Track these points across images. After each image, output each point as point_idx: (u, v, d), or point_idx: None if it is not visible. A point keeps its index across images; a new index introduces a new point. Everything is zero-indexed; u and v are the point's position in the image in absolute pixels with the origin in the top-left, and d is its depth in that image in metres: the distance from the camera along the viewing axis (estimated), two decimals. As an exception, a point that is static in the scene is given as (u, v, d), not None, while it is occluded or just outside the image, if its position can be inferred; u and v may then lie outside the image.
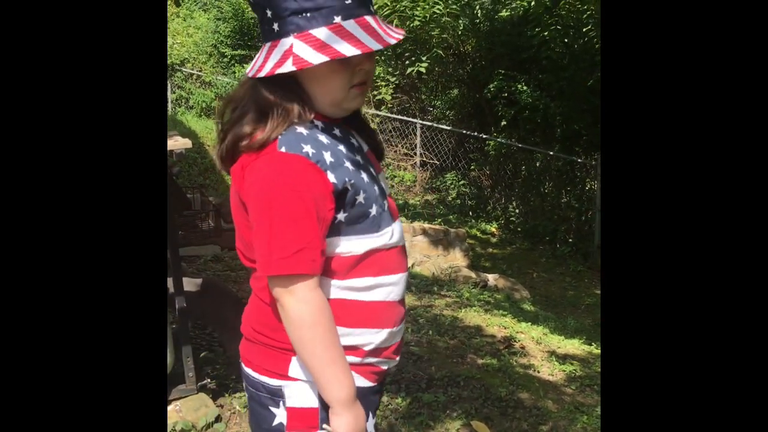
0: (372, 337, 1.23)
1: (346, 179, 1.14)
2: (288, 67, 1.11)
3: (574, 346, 4.12)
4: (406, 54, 7.02)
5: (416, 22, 6.44)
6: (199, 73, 11.20)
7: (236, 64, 11.03)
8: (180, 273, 2.62)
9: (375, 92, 9.34)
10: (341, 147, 1.19)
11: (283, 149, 1.12)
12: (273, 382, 1.23)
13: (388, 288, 1.24)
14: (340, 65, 1.14)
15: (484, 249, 7.60)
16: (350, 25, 1.11)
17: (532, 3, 6.06)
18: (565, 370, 3.52)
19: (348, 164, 1.17)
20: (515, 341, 3.90)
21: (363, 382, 1.24)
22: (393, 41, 1.17)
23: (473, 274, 5.87)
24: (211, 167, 6.91)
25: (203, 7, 12.42)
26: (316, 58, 1.10)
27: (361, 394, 1.21)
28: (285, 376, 1.22)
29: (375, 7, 5.90)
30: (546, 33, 7.34)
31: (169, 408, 2.50)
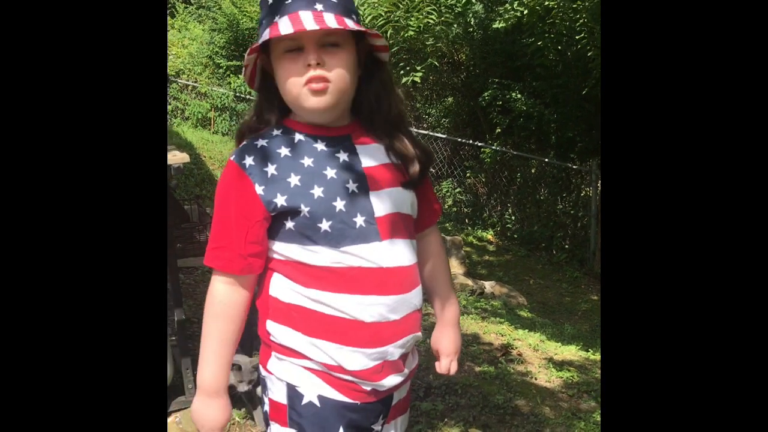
0: (333, 352, 1.23)
1: (279, 193, 1.20)
2: (249, 67, 1.26)
3: (571, 352, 4.13)
4: (401, 64, 7.04)
5: (410, 32, 6.47)
6: (195, 84, 11.22)
7: (231, 75, 11.05)
8: (178, 285, 2.64)
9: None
10: (304, 161, 1.23)
11: (232, 157, 1.24)
12: (263, 372, 1.33)
13: (349, 307, 1.22)
14: (289, 58, 1.21)
15: (481, 256, 7.62)
16: (284, 19, 1.18)
17: (525, 12, 6.09)
18: (562, 377, 3.53)
19: (295, 179, 1.21)
20: (512, 348, 3.91)
21: (335, 394, 1.26)
22: (311, 27, 1.16)
23: (470, 282, 5.89)
24: (208, 178, 6.92)
25: (198, 18, 12.45)
26: (255, 45, 1.21)
27: (331, 407, 1.25)
28: (266, 369, 1.31)
29: (370, 18, 5.90)
30: (539, 41, 7.38)
31: (169, 420, 2.51)
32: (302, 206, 1.19)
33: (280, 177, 1.21)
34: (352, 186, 1.24)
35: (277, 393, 1.29)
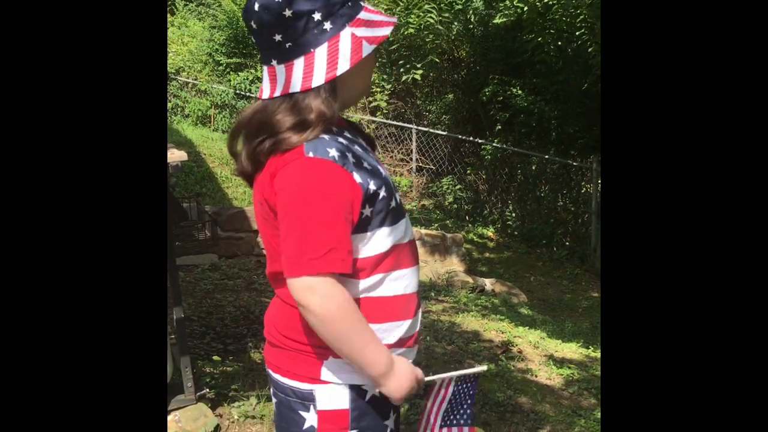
0: (396, 330, 1.27)
1: (369, 178, 1.20)
2: (367, 48, 1.20)
3: (571, 349, 4.13)
4: (401, 61, 7.03)
5: (411, 30, 6.46)
6: (195, 82, 11.21)
7: (231, 73, 11.03)
8: (178, 283, 2.63)
9: (370, 99, 9.35)
10: (356, 147, 1.25)
11: (311, 154, 1.16)
12: (304, 386, 1.26)
13: (404, 281, 1.28)
14: (373, 56, 1.24)
15: (481, 253, 7.62)
16: (369, 6, 1.23)
17: (525, 9, 6.08)
18: (562, 374, 3.53)
19: (366, 163, 1.23)
20: (513, 346, 3.91)
21: None
22: (393, 19, 1.27)
23: (470, 279, 5.88)
24: (208, 176, 6.90)
25: (198, 15, 12.43)
26: (380, 32, 1.22)
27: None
28: (317, 380, 1.25)
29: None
30: (539, 37, 7.37)
31: (169, 418, 2.50)
32: (383, 186, 1.23)
33: (359, 164, 1.21)
34: (378, 164, 1.29)
35: (332, 400, 1.25)
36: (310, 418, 1.26)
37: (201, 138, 8.73)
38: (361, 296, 1.24)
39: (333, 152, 1.17)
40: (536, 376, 3.46)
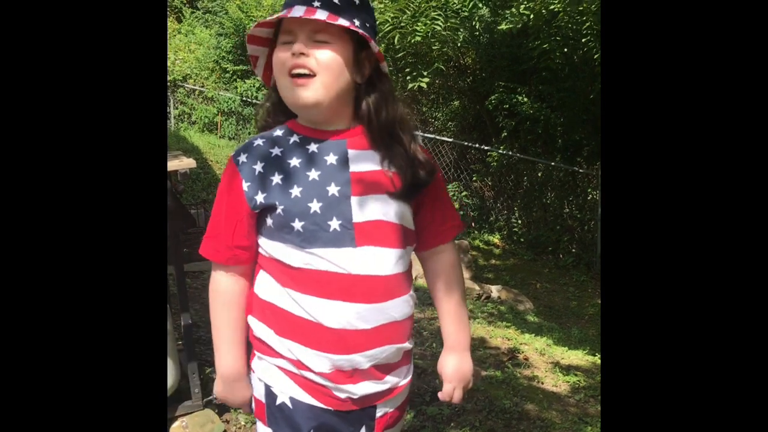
0: (298, 353, 1.25)
1: (260, 190, 1.24)
2: (261, 62, 1.35)
3: (578, 356, 4.12)
4: (407, 69, 7.05)
5: (417, 38, 6.47)
6: (202, 89, 11.26)
7: (238, 80, 11.08)
8: (185, 290, 2.65)
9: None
10: (292, 161, 1.26)
11: (233, 153, 1.31)
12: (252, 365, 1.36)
13: (315, 310, 1.23)
14: (279, 51, 1.26)
15: (487, 260, 7.61)
16: (282, 13, 1.25)
17: (532, 16, 6.09)
18: (569, 381, 3.52)
19: (277, 178, 1.25)
20: (519, 353, 3.91)
21: (307, 398, 1.27)
22: (297, 15, 1.21)
23: (476, 286, 5.88)
24: (215, 182, 6.93)
25: (205, 23, 12.50)
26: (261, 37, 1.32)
27: (303, 410, 1.27)
28: (250, 368, 1.35)
29: (377, 23, 5.92)
30: (545, 44, 7.38)
31: (176, 424, 2.51)
32: (277, 204, 1.23)
33: (264, 175, 1.25)
34: (333, 189, 1.24)
35: (257, 391, 1.34)
36: (253, 401, 1.37)
37: (208, 145, 8.78)
38: (271, 300, 1.28)
39: (242, 156, 1.28)
40: (542, 383, 3.46)
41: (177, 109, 11.34)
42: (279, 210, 1.23)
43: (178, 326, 2.82)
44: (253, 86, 10.75)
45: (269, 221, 1.25)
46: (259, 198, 1.24)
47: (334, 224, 1.23)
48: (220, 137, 10.41)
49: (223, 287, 1.32)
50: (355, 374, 1.26)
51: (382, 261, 1.25)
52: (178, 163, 2.29)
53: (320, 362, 1.24)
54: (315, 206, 1.23)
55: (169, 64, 10.76)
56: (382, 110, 1.28)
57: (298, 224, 1.22)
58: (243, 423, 2.67)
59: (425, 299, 5.09)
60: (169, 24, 11.87)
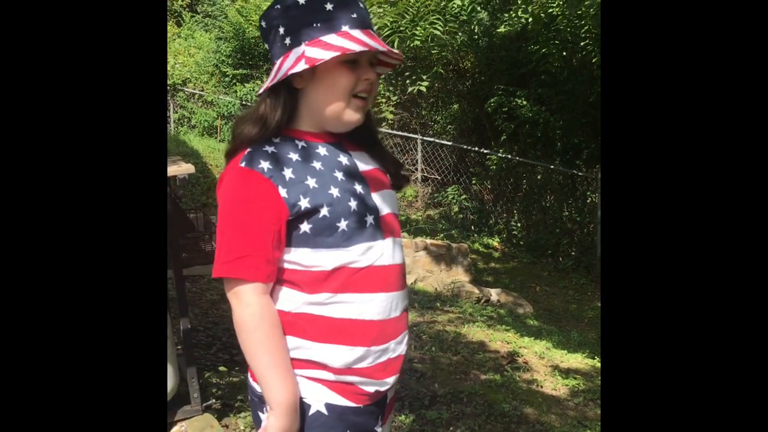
0: (343, 355, 1.24)
1: (301, 195, 1.21)
2: (301, 66, 1.20)
3: (577, 360, 4.13)
4: (407, 73, 7.06)
5: (416, 42, 6.49)
6: (201, 93, 11.27)
7: (237, 84, 11.09)
8: (184, 294, 2.65)
9: (376, 110, 9.39)
10: (315, 164, 1.26)
11: (243, 164, 1.22)
12: (259, 388, 1.27)
13: (360, 306, 1.25)
14: (347, 69, 1.24)
15: (487, 263, 7.61)
16: (356, 32, 1.22)
17: (530, 20, 6.11)
18: (568, 385, 3.52)
19: (311, 181, 1.23)
20: (518, 356, 3.91)
21: (341, 401, 1.26)
22: (396, 60, 1.31)
23: (476, 290, 5.88)
24: (214, 186, 6.93)
25: (204, 27, 12.52)
26: (326, 54, 1.19)
27: (338, 413, 1.25)
28: None
29: (375, 28, 5.94)
30: (544, 48, 7.39)
31: (175, 429, 2.51)
32: (324, 206, 1.22)
33: (298, 180, 1.22)
34: (359, 187, 1.28)
35: None
36: (265, 419, 1.27)
37: (207, 149, 8.78)
38: (304, 311, 1.24)
39: (264, 164, 1.21)
40: (542, 387, 3.46)
41: (177, 113, 11.35)
42: (324, 212, 1.22)
43: (177, 331, 2.82)
44: (253, 90, 10.76)
45: (305, 227, 1.22)
46: (303, 203, 1.21)
47: (370, 219, 1.27)
48: (219, 141, 10.41)
49: (267, 310, 1.21)
50: (388, 365, 1.30)
51: (399, 250, 1.34)
52: (176, 169, 2.29)
53: (366, 358, 1.26)
54: (353, 204, 1.25)
55: (168, 68, 10.77)
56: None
57: (343, 224, 1.23)
58: (242, 428, 2.67)
59: (425, 303, 5.09)
60: (168, 28, 11.88)
